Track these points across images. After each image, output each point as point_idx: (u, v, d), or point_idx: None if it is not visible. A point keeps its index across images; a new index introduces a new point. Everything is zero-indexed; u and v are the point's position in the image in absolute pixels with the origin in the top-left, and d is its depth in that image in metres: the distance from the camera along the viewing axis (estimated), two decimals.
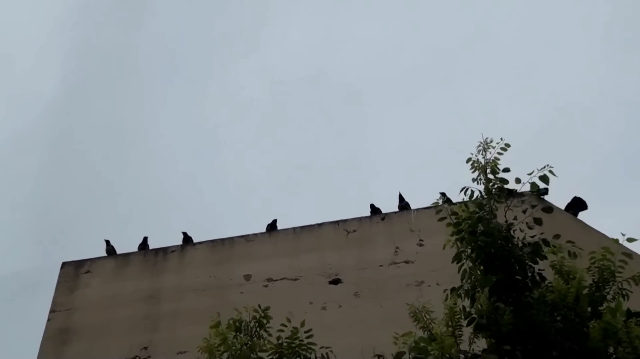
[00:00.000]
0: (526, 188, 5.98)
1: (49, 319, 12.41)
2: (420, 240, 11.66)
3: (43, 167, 36.05)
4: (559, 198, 11.73)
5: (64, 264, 13.06)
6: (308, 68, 39.36)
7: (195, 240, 13.09)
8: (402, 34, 39.98)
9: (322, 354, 6.27)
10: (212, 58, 40.80)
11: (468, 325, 5.78)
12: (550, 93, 36.60)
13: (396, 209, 12.50)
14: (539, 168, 5.85)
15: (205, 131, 38.66)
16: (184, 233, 13.09)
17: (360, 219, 12.37)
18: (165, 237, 13.62)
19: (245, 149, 37.04)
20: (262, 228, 12.84)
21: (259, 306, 6.49)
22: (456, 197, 6.15)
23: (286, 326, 6.25)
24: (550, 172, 5.85)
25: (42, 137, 37.80)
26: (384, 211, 12.49)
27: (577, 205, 12.10)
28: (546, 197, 10.50)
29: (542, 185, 5.86)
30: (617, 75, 36.10)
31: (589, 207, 12.06)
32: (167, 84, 39.28)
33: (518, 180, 5.93)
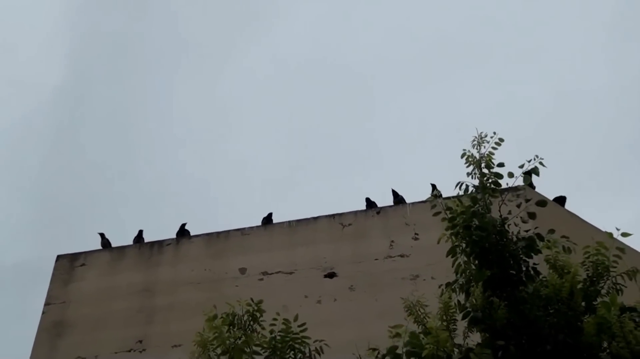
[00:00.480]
0: (520, 181, 5.99)
1: (43, 312, 12.43)
2: (416, 233, 11.67)
3: (45, 157, 36.09)
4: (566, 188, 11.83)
5: (58, 257, 13.06)
6: (317, 53, 39.29)
7: (193, 233, 13.07)
8: (409, 19, 39.89)
9: (315, 348, 6.27)
10: (220, 44, 40.73)
11: (463, 319, 5.79)
12: (555, 79, 36.58)
13: (392, 203, 12.52)
14: (529, 160, 5.87)
15: (212, 117, 38.64)
16: (182, 225, 13.06)
17: (355, 213, 12.38)
18: (170, 229, 13.64)
19: (250, 138, 36.99)
20: (259, 221, 12.84)
21: (252, 300, 6.49)
22: (455, 190, 6.13)
23: (277, 319, 6.24)
24: (541, 163, 5.86)
25: (45, 127, 37.79)
26: (381, 204, 12.51)
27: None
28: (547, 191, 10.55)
29: (534, 179, 5.87)
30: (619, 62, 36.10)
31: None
32: (173, 72, 39.18)
33: (511, 174, 5.94)
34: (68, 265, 12.94)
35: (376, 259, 11.67)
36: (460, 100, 36.28)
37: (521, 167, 5.89)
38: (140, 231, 13.33)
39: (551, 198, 11.53)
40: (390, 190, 12.64)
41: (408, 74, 40.18)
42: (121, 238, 13.45)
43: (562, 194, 12.28)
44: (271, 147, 36.52)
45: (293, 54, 39.12)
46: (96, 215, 32.17)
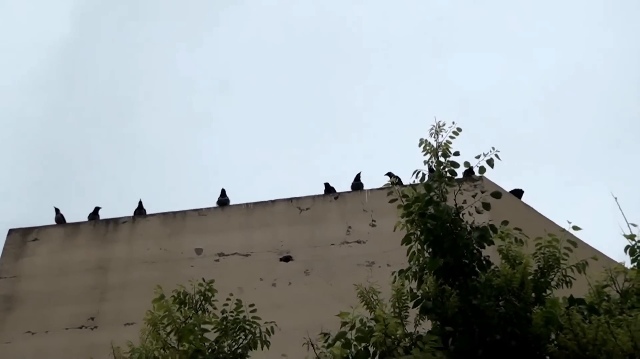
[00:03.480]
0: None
1: None
2: (373, 220, 11.71)
3: (49, 114, 35.52)
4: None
5: (10, 231, 12.89)
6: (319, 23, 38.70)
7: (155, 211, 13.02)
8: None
9: (266, 329, 6.28)
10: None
11: (414, 307, 5.82)
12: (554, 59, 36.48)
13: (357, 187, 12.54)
14: (485, 153, 5.90)
15: (209, 80, 38.00)
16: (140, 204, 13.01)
17: (313, 197, 12.38)
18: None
19: (245, 101, 36.54)
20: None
21: (203, 280, 6.47)
22: (412, 178, 6.13)
23: (229, 300, 6.24)
24: (496, 156, 5.90)
25: (49, 85, 37.07)
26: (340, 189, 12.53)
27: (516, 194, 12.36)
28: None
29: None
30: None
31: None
32: (176, 28, 38.36)
33: (467, 164, 5.97)
34: (20, 239, 12.75)
35: (332, 244, 11.70)
36: (462, 78, 36.09)
37: (477, 157, 5.92)
38: (97, 208, 13.18)
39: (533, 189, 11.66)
40: (356, 174, 12.62)
41: (410, 49, 39.73)
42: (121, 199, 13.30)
43: (519, 187, 12.47)
44: (263, 113, 36.07)
45: (293, 23, 38.55)
46: (98, 175, 31.96)
